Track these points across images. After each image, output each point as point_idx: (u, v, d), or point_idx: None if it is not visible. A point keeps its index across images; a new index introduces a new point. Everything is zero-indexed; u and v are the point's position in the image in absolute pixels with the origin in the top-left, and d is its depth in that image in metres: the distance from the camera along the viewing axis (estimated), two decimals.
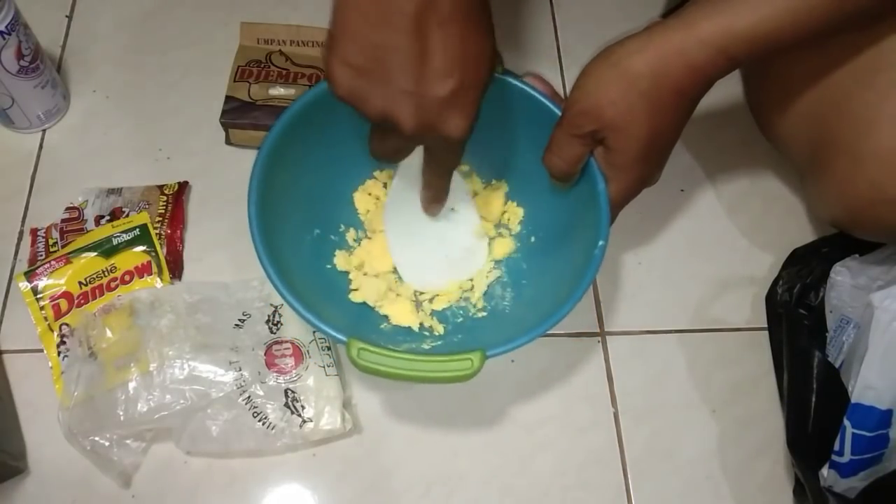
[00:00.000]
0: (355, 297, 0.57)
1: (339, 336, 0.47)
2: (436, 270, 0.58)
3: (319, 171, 0.57)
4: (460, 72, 0.41)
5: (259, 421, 0.53)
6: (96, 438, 0.52)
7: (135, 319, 0.55)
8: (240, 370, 0.53)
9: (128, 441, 0.53)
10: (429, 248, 0.58)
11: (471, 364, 0.46)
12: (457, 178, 0.57)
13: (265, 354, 0.55)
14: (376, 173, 0.61)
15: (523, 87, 0.52)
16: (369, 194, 0.61)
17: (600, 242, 0.49)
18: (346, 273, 0.58)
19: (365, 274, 0.58)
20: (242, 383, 0.53)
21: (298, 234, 0.56)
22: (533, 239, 0.59)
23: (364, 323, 0.56)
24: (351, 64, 0.41)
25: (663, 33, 0.45)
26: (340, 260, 0.58)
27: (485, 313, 0.57)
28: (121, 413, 0.52)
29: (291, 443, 0.54)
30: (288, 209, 0.54)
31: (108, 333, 0.54)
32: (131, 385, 0.52)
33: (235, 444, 0.53)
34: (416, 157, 0.50)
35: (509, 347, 0.47)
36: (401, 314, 0.57)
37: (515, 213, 0.60)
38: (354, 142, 0.57)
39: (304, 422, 0.53)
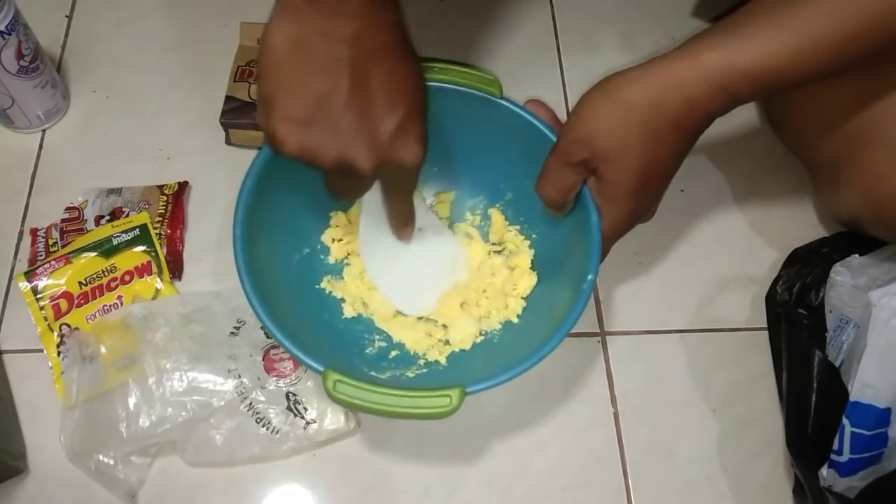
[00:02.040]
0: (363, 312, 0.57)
1: (316, 365, 0.46)
2: (428, 290, 0.58)
3: (309, 189, 0.56)
4: (403, 103, 0.43)
5: (263, 426, 0.53)
6: (100, 457, 0.52)
7: (128, 329, 0.54)
8: (239, 377, 0.53)
9: (132, 457, 0.53)
10: (414, 272, 0.57)
11: (449, 401, 0.44)
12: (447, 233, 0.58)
13: (263, 360, 0.55)
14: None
15: (521, 113, 0.52)
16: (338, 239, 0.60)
17: (589, 277, 0.47)
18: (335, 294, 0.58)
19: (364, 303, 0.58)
20: (243, 390, 0.53)
21: (286, 253, 0.56)
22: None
23: (350, 346, 0.56)
24: (295, 120, 0.42)
25: (663, 64, 0.44)
26: (327, 285, 0.58)
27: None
28: (123, 430, 0.51)
29: (297, 445, 0.54)
30: (275, 227, 0.54)
31: (103, 350, 0.53)
32: (131, 401, 0.52)
33: (240, 452, 0.53)
34: (375, 193, 0.50)
35: (489, 385, 0.46)
36: (409, 338, 0.56)
37: (519, 243, 0.59)
38: None
39: (307, 423, 0.53)
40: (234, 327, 0.56)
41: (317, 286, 0.58)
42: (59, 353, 0.57)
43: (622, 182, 0.46)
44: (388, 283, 0.57)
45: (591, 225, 0.48)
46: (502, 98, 0.53)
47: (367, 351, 0.56)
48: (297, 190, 0.55)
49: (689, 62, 0.43)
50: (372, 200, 0.53)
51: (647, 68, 0.45)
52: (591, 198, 0.48)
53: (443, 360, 0.55)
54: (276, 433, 0.53)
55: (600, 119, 0.45)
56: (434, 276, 0.58)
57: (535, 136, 0.52)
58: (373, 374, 0.53)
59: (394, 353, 0.56)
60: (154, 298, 0.58)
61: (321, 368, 0.45)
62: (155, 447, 0.54)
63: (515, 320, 0.56)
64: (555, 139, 0.49)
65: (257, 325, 0.56)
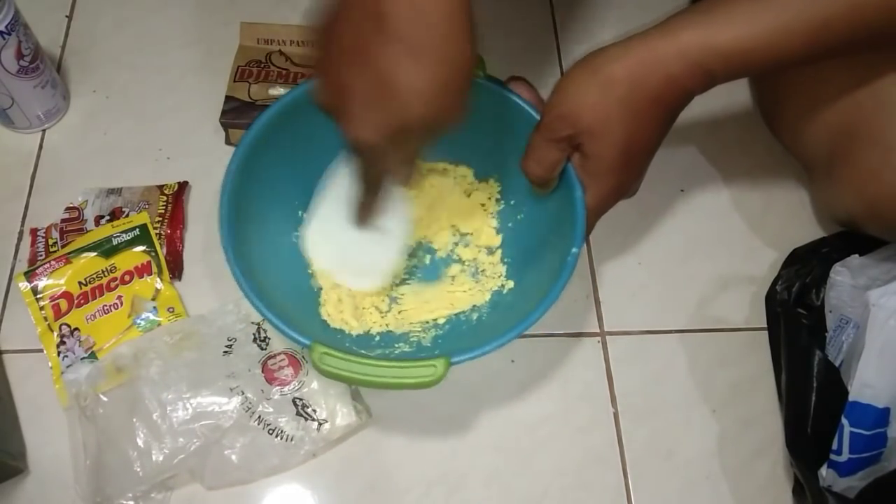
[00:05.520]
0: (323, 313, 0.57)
1: (303, 339, 0.46)
2: (331, 256, 0.56)
3: (300, 172, 0.56)
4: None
5: (276, 437, 0.53)
6: (120, 502, 0.51)
7: (124, 377, 0.54)
8: (242, 394, 0.53)
9: (152, 494, 0.52)
10: (362, 250, 0.55)
11: (434, 370, 0.45)
12: (402, 203, 0.55)
13: (262, 371, 0.55)
14: None
15: (504, 92, 0.52)
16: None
17: (573, 250, 0.48)
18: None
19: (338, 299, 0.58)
20: (249, 405, 0.53)
21: (277, 237, 0.56)
22: (513, 245, 0.59)
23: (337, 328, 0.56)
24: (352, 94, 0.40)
25: (644, 42, 0.45)
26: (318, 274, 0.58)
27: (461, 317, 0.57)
28: (138, 469, 0.51)
29: (313, 448, 0.54)
30: (266, 211, 0.54)
31: (104, 398, 0.53)
32: (140, 440, 0.51)
33: (259, 466, 0.53)
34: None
35: (475, 355, 0.47)
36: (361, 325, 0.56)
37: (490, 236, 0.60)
38: (337, 145, 0.57)
39: (320, 424, 0.54)
40: (226, 346, 0.56)
41: (309, 271, 0.58)
42: (59, 353, 0.57)
43: (605, 157, 0.47)
44: (335, 262, 0.56)
45: (575, 200, 0.49)
46: (484, 77, 0.52)
47: (354, 332, 0.56)
48: (285, 172, 0.55)
49: (669, 40, 0.44)
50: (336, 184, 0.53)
51: (627, 45, 0.45)
52: (576, 174, 0.49)
53: (428, 339, 0.56)
54: (291, 440, 0.53)
55: (583, 95, 0.46)
56: (383, 249, 0.56)
57: (519, 114, 0.52)
58: (362, 351, 0.53)
59: (379, 336, 0.56)
60: (154, 298, 0.58)
61: (308, 342, 0.46)
62: (173, 479, 0.53)
63: (498, 287, 0.57)
64: (538, 117, 0.49)
65: (249, 340, 0.56)
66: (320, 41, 0.41)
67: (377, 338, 0.56)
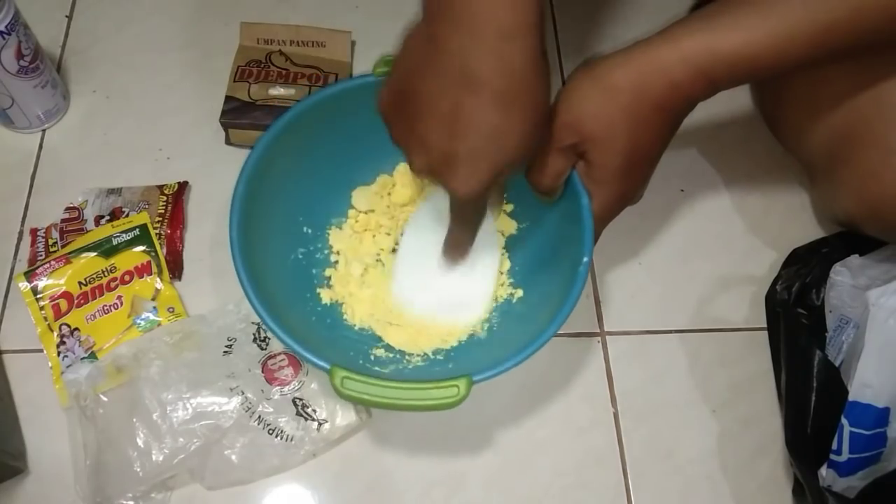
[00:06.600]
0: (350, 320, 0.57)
1: (322, 363, 0.46)
2: (427, 301, 0.56)
3: (304, 188, 0.56)
4: (479, 139, 0.41)
5: (276, 437, 0.53)
6: (121, 502, 0.51)
7: (124, 377, 0.54)
8: (242, 394, 0.53)
9: (152, 494, 0.52)
10: (431, 276, 0.55)
11: (457, 391, 0.45)
12: (490, 230, 0.56)
13: (262, 371, 0.55)
14: (351, 212, 0.60)
15: None
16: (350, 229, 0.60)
17: (584, 259, 0.48)
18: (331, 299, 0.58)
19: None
20: (249, 405, 0.53)
21: (282, 254, 0.56)
22: (518, 253, 0.59)
23: (347, 343, 0.56)
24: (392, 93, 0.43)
25: (647, 49, 0.45)
26: (325, 294, 0.58)
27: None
28: (138, 469, 0.51)
29: (313, 448, 0.54)
30: (272, 226, 0.54)
31: (104, 398, 0.53)
32: (140, 440, 0.51)
33: (259, 466, 0.53)
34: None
35: (496, 372, 0.46)
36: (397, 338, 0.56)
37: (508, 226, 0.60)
38: (342, 158, 0.57)
39: (320, 424, 0.54)
40: (226, 346, 0.56)
41: (317, 289, 0.57)
42: (59, 353, 0.57)
43: (609, 165, 0.47)
44: (404, 273, 0.57)
45: (582, 208, 0.49)
46: None
47: (367, 349, 0.56)
48: (289, 187, 0.55)
49: (671, 47, 0.44)
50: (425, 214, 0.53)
51: (630, 53, 0.45)
52: (581, 182, 0.49)
53: (441, 351, 0.55)
54: (291, 440, 0.53)
55: (586, 103, 0.46)
56: (444, 300, 0.56)
57: None
58: (376, 368, 0.53)
59: (391, 354, 0.56)
60: (154, 298, 0.58)
61: (328, 366, 0.46)
62: (173, 479, 0.53)
63: (514, 301, 0.57)
64: None
65: (249, 340, 0.56)
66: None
67: (389, 353, 0.56)
